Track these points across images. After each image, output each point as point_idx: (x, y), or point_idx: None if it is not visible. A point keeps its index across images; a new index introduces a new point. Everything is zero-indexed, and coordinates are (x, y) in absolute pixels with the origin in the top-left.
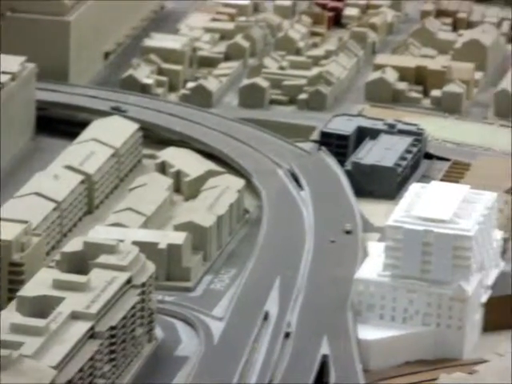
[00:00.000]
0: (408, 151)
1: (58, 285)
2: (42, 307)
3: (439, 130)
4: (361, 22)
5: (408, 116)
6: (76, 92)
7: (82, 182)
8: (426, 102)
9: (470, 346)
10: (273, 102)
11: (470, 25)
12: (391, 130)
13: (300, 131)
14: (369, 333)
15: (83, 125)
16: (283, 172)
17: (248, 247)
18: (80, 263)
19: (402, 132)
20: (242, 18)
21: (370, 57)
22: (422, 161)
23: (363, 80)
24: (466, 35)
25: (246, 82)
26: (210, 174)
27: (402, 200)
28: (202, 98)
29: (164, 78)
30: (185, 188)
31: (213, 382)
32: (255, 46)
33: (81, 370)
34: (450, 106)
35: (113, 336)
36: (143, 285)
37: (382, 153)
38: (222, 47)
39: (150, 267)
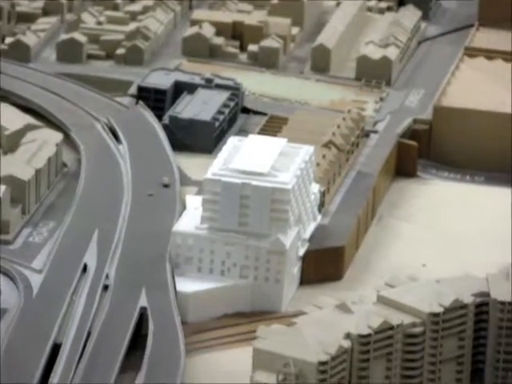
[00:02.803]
0: (225, 105)
1: None
2: None
3: (256, 84)
4: None
5: (225, 71)
6: None
7: None
8: (243, 57)
9: (288, 299)
10: (90, 56)
11: None
12: (208, 84)
13: (118, 86)
14: (187, 285)
15: None
16: (101, 126)
17: (66, 200)
18: None
19: (219, 86)
20: None
21: (187, 12)
22: (239, 115)
23: (180, 35)
24: None
25: (63, 36)
26: (29, 127)
27: (219, 154)
28: (20, 53)
29: None
30: (3, 142)
31: (32, 333)
32: (73, 1)
33: None
34: (266, 61)
35: None
36: None
37: (199, 107)
38: (40, 3)
39: None
